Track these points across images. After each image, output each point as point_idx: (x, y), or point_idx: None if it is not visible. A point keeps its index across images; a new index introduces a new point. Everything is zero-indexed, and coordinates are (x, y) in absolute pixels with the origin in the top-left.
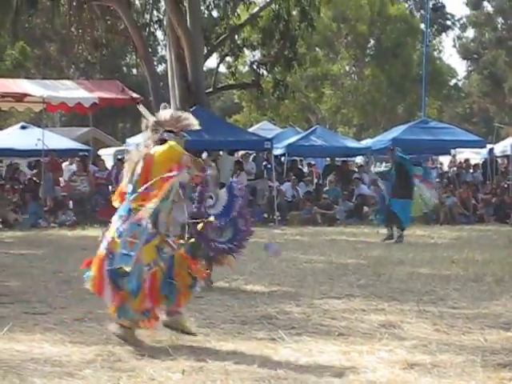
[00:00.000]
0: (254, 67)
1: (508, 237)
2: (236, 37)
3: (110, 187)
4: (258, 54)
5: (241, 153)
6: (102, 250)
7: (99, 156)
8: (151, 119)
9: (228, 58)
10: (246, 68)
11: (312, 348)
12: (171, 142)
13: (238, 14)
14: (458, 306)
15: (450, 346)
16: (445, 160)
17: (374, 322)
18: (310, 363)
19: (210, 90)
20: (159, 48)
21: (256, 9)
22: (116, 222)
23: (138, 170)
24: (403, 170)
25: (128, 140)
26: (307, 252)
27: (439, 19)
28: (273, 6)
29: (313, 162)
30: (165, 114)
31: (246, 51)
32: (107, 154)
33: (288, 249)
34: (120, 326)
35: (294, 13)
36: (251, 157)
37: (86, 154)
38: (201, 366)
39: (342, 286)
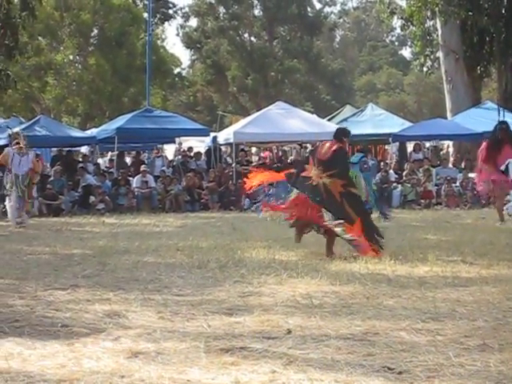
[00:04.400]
0: None
1: (232, 224)
2: None
3: None
4: None
5: None
6: None
7: None
8: None
9: None
10: None
11: (35, 340)
12: None
13: None
14: (183, 293)
15: (174, 333)
16: (170, 148)
17: (98, 312)
18: (34, 356)
19: None
20: None
21: None
22: None
23: None
24: None
25: None
26: (32, 244)
27: (162, 8)
28: None
29: (38, 153)
30: None
31: None
32: None
33: (12, 241)
34: None
35: (16, 1)
36: None
37: None
38: None
39: (67, 277)
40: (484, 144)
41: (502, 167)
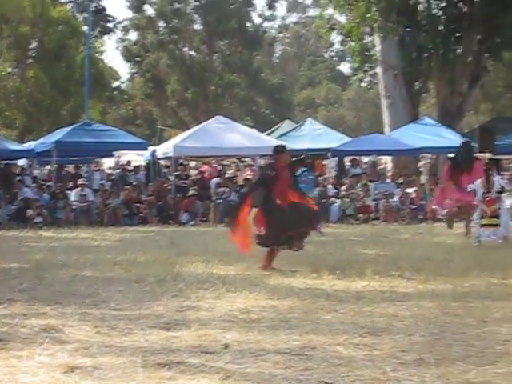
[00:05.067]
0: None
1: (170, 238)
2: None
3: None
4: None
5: None
6: None
7: None
8: None
9: None
10: None
11: None
12: None
13: None
14: (121, 308)
15: (111, 347)
16: (109, 162)
17: (35, 326)
18: None
19: None
20: None
21: None
22: None
23: None
24: None
25: None
26: None
27: (101, 22)
28: None
29: None
30: None
31: None
32: None
33: None
34: None
35: None
36: None
37: None
38: None
39: (3, 291)
40: (446, 163)
41: (470, 188)
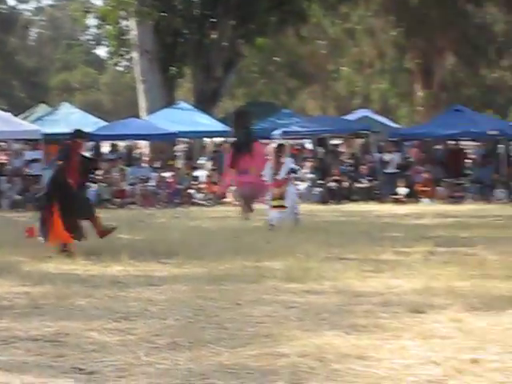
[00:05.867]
0: None
1: None
2: None
3: None
4: None
5: None
6: None
7: None
8: None
9: None
10: None
11: None
12: None
13: None
14: None
15: None
16: None
17: None
18: None
19: None
20: None
21: None
22: None
23: None
24: None
25: None
26: None
27: None
28: None
29: None
30: None
31: None
32: None
33: None
34: None
35: None
36: None
37: None
38: None
39: None
40: (230, 149)
41: (265, 172)
